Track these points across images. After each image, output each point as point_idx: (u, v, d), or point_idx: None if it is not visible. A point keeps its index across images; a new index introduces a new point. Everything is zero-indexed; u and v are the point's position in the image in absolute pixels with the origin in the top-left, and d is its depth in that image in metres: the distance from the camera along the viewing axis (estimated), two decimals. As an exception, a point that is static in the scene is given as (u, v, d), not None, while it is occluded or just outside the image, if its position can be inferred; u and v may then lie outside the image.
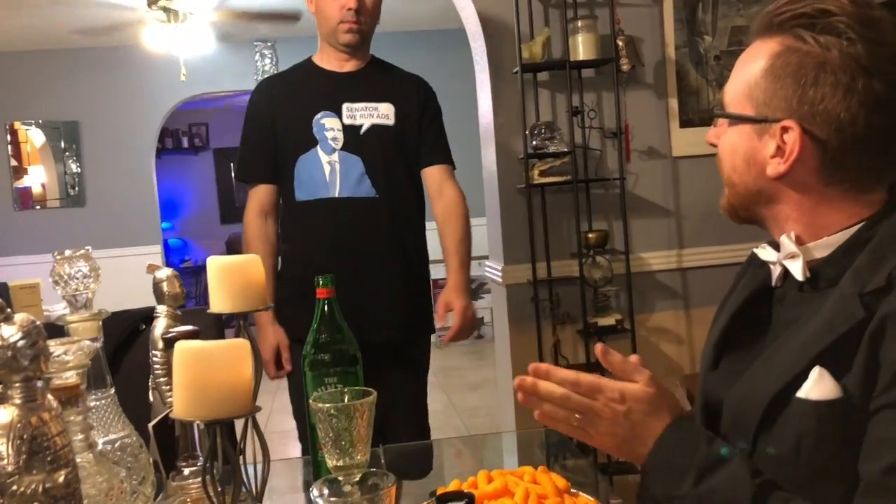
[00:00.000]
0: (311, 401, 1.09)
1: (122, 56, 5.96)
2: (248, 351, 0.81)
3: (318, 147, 2.03)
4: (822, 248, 0.89)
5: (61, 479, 0.69)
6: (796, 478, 0.82)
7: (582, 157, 2.70)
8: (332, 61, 2.09)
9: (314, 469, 1.27)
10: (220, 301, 1.10)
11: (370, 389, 1.05)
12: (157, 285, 1.20)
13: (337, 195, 2.01)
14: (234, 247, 9.59)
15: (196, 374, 0.79)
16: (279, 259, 2.16)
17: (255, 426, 0.94)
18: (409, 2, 5.34)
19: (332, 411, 1.01)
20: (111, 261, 5.94)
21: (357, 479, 0.99)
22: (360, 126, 2.04)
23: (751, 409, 0.87)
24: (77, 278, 1.00)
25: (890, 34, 0.85)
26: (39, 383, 0.71)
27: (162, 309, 1.19)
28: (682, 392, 2.81)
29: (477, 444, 1.14)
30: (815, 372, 0.81)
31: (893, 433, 0.76)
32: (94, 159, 6.04)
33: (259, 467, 0.97)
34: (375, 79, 2.10)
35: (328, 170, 2.02)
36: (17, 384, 0.69)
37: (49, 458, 0.69)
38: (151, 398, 1.19)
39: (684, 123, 2.79)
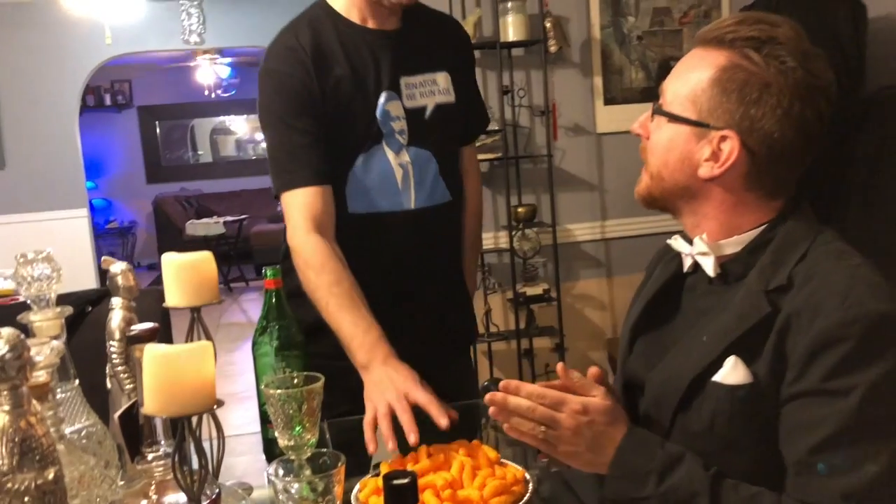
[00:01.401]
0: (262, 386, 1.18)
1: (41, 13, 5.75)
2: (211, 352, 0.90)
3: (384, 142, 1.52)
4: (733, 245, 1.02)
5: (50, 475, 0.77)
6: (708, 450, 0.95)
7: (512, 135, 2.82)
8: (370, 17, 1.52)
9: (265, 445, 1.37)
10: (175, 296, 1.18)
11: (318, 375, 1.15)
12: (112, 278, 1.27)
13: (413, 206, 1.54)
14: (162, 207, 9.45)
15: (165, 375, 0.88)
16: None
17: (213, 415, 1.03)
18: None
19: (283, 397, 1.11)
20: (35, 225, 5.81)
21: (307, 456, 1.10)
22: (424, 108, 1.55)
23: (671, 391, 1.00)
24: (40, 280, 1.07)
25: (823, 70, 0.97)
26: (24, 390, 0.79)
27: (117, 301, 1.26)
28: (604, 356, 3.01)
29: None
30: (731, 360, 0.94)
31: (809, 418, 0.89)
32: (14, 120, 5.85)
33: (215, 443, 1.06)
34: (422, 37, 1.57)
35: (400, 174, 1.53)
36: (6, 392, 0.77)
37: (37, 458, 0.77)
38: (109, 385, 1.27)
39: (608, 101, 2.93)
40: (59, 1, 5.10)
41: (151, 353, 0.88)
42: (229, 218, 8.49)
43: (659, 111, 1.04)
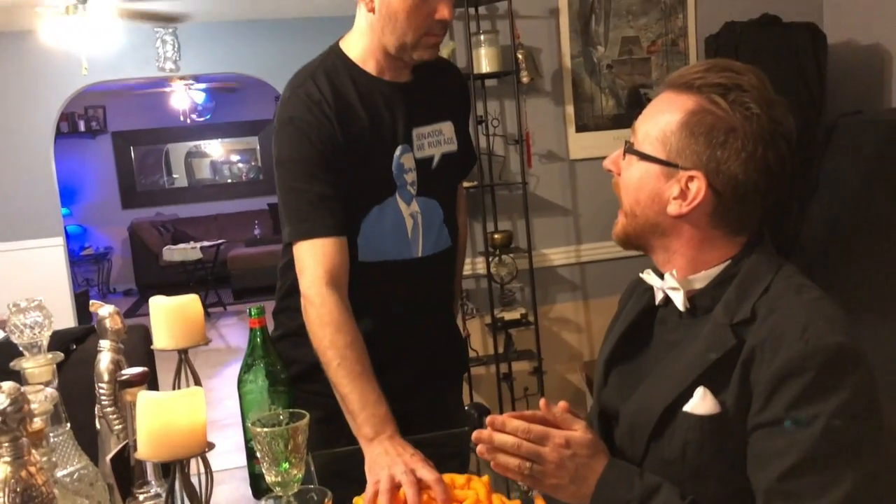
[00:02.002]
0: (249, 424, 1.21)
1: (17, 43, 5.75)
2: (203, 397, 0.94)
3: (398, 194, 1.54)
4: (701, 280, 1.07)
5: (50, 522, 0.81)
6: (681, 477, 1.00)
7: (487, 163, 2.88)
8: (388, 69, 1.53)
9: (251, 480, 1.40)
10: (163, 339, 1.22)
11: (303, 412, 1.18)
12: (100, 321, 1.30)
13: (420, 254, 1.57)
14: (137, 232, 9.41)
15: (158, 421, 0.91)
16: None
17: (204, 457, 1.06)
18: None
19: (270, 435, 1.14)
20: (10, 254, 5.78)
21: (294, 491, 1.14)
22: (431, 159, 1.58)
23: (644, 420, 1.05)
24: (31, 327, 1.10)
25: (785, 116, 1.03)
26: (25, 440, 0.82)
27: (105, 343, 1.29)
28: (582, 378, 3.06)
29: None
30: (700, 391, 0.99)
31: (774, 447, 0.94)
32: (-12, 149, 5.82)
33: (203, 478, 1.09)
34: (430, 87, 1.59)
35: (410, 224, 1.56)
36: (7, 444, 0.81)
37: (38, 505, 0.81)
38: (98, 426, 1.29)
39: (580, 128, 3.01)
40: (37, 31, 5.11)
41: (145, 400, 0.92)
42: (206, 243, 8.46)
43: (631, 150, 1.10)
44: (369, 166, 1.51)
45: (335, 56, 1.53)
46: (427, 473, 1.21)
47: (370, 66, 1.52)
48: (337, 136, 1.46)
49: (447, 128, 1.61)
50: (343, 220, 1.47)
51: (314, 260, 1.44)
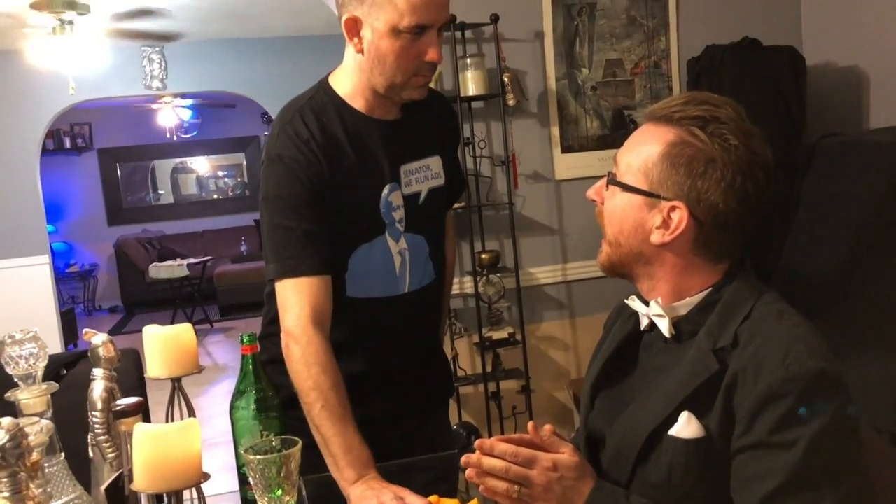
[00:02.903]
0: (242, 451, 1.23)
1: (4, 61, 5.75)
2: (198, 429, 0.96)
3: (387, 232, 1.54)
4: (684, 307, 1.10)
5: (49, 557, 0.82)
6: (666, 501, 1.03)
7: (474, 184, 2.91)
8: (377, 107, 1.53)
9: (244, 505, 1.41)
10: (156, 368, 1.23)
11: (296, 438, 1.20)
12: (93, 350, 1.32)
13: (407, 290, 1.58)
14: (123, 249, 9.37)
15: (154, 453, 0.93)
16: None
17: (199, 487, 1.08)
18: (300, 14, 5.41)
19: (262, 463, 1.16)
20: (-4, 273, 5.75)
21: (287, 518, 1.15)
22: (418, 194, 1.59)
23: (630, 444, 1.07)
24: (26, 358, 1.11)
25: (762, 147, 1.07)
26: (23, 475, 0.84)
27: (98, 372, 1.31)
28: (569, 396, 3.08)
29: (390, 472, 1.31)
30: (684, 416, 1.02)
31: (757, 470, 0.96)
32: (-28, 167, 5.80)
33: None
34: (419, 123, 1.59)
35: (399, 261, 1.56)
36: (6, 479, 0.82)
37: (36, 539, 0.82)
38: (91, 454, 1.31)
39: (565, 149, 3.05)
40: (24, 52, 5.12)
41: (141, 433, 0.93)
42: (192, 260, 8.44)
43: (614, 181, 1.13)
44: (357, 204, 1.51)
45: (323, 93, 1.53)
46: (416, 500, 1.22)
47: (359, 104, 1.52)
48: (325, 174, 1.46)
49: (435, 162, 1.61)
50: (329, 259, 1.47)
51: (299, 298, 1.43)
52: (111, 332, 1.39)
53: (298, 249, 1.44)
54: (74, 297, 9.33)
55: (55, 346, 5.85)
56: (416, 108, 1.56)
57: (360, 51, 1.45)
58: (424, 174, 1.59)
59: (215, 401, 5.27)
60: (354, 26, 1.43)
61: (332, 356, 1.42)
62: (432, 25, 1.41)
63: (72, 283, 9.30)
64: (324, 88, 1.54)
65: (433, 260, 1.62)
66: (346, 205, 1.49)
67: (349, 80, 1.51)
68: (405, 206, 1.55)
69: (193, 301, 8.14)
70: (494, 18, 2.80)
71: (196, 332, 1.44)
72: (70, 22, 4.61)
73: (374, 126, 1.52)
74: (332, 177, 1.46)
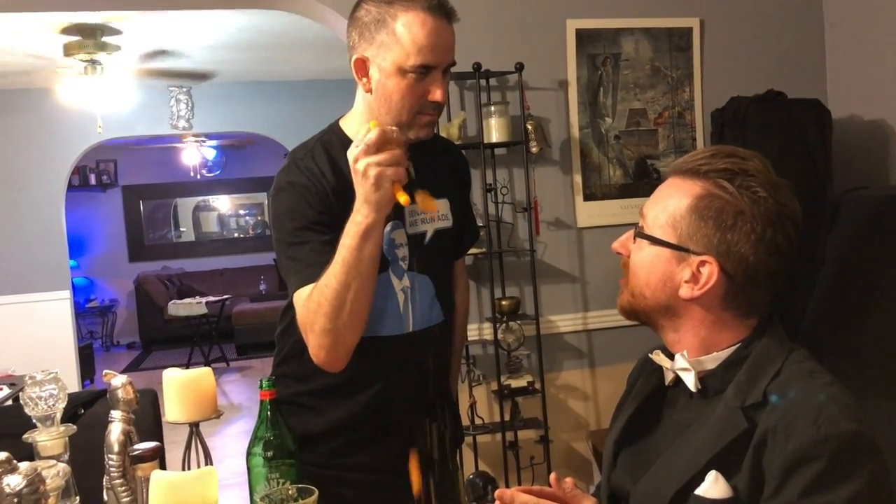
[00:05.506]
0: (258, 499, 1.21)
1: (35, 101, 5.87)
2: (216, 477, 0.94)
3: (390, 270, 1.56)
4: (712, 361, 1.08)
5: None
6: None
7: (496, 230, 2.91)
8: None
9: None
10: (175, 412, 1.22)
11: (311, 488, 1.18)
12: (112, 392, 1.31)
13: (411, 329, 1.58)
14: (143, 286, 9.43)
15: (171, 500, 0.91)
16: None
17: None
18: (322, 58, 5.50)
19: (280, 513, 1.14)
20: (17, 307, 5.80)
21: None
22: (424, 234, 1.61)
23: (655, 503, 1.05)
24: (45, 399, 1.11)
25: (790, 199, 1.06)
26: (39, 521, 0.83)
27: (117, 414, 1.30)
28: (588, 447, 3.03)
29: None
30: (712, 475, 0.99)
31: None
32: (0, 204, 5.89)
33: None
34: (426, 165, 1.60)
35: (402, 299, 1.57)
36: (22, 526, 0.81)
37: (49, 590, 0.81)
38: (106, 497, 1.29)
39: (587, 197, 3.04)
40: (54, 90, 5.23)
41: (158, 480, 0.92)
42: (211, 298, 8.47)
43: (642, 234, 1.12)
44: None
45: (333, 133, 1.58)
46: None
47: None
48: (333, 206, 1.48)
49: (442, 205, 1.64)
50: None
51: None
52: (128, 369, 1.40)
53: (316, 257, 1.45)
54: (93, 332, 9.38)
55: (72, 381, 5.87)
56: (426, 151, 1.59)
57: (369, 90, 1.50)
58: (431, 215, 1.62)
59: (229, 441, 5.24)
60: (363, 66, 1.48)
61: None
62: (437, 66, 1.45)
63: (91, 318, 9.35)
64: (333, 129, 1.60)
65: (441, 301, 1.63)
66: None
67: (359, 122, 1.54)
68: (409, 245, 1.57)
69: (211, 339, 8.15)
70: (519, 67, 2.82)
71: (212, 370, 1.43)
72: (100, 63, 4.71)
73: None
74: (339, 210, 1.47)
